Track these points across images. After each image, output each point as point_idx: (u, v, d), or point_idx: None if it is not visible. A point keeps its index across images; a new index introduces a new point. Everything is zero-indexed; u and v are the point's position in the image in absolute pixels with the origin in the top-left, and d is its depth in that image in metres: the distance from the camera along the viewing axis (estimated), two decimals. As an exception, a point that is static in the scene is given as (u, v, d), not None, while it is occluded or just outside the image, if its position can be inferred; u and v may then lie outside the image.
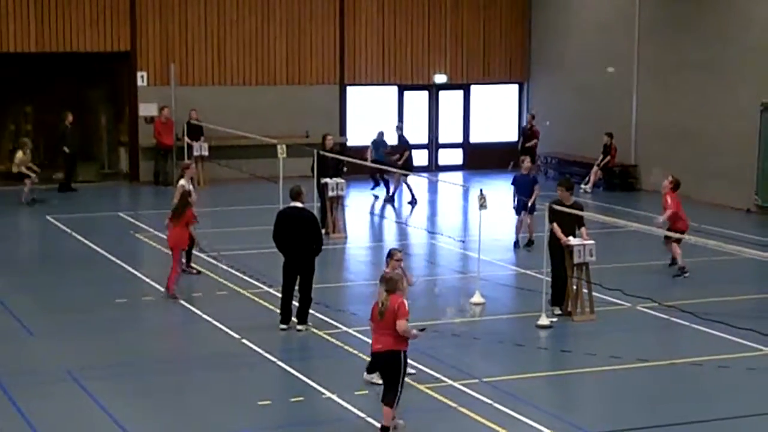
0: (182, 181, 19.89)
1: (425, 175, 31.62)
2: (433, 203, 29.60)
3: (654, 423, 13.06)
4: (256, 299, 18.47)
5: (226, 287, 19.29)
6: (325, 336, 16.40)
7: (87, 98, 32.50)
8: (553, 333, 16.77)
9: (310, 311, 16.79)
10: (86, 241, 22.93)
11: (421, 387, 14.08)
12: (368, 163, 27.53)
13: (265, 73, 32.27)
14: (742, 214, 27.00)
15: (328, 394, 13.83)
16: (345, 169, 24.54)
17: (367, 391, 13.75)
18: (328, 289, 18.97)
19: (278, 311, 16.85)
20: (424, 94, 34.41)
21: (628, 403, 13.91)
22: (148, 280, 19.72)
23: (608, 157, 30.74)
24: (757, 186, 27.02)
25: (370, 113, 33.27)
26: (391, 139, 29.79)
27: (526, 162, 23.28)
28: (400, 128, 30.55)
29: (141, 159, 31.48)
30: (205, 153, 30.36)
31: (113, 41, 30.82)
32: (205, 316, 17.44)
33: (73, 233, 23.72)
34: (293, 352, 15.96)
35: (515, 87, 35.33)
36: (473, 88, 34.84)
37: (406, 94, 34.17)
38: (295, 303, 16.72)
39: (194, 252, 20.25)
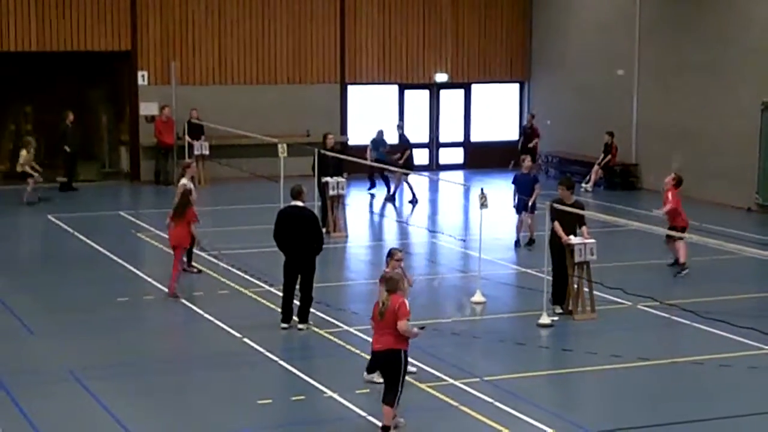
0: (183, 180, 19.88)
1: (426, 174, 31.63)
2: (433, 202, 29.60)
3: (655, 422, 13.06)
4: (257, 298, 18.48)
5: (228, 286, 19.30)
6: (326, 335, 16.41)
7: (88, 97, 32.50)
8: (554, 332, 16.78)
9: (311, 310, 16.81)
10: (87, 241, 22.94)
11: (422, 386, 14.08)
12: (370, 162, 27.53)
13: (265, 72, 32.27)
14: (743, 213, 27.01)
15: (330, 393, 13.84)
16: (345, 175, 24.48)
17: (368, 390, 13.76)
18: (329, 288, 18.98)
19: (279, 310, 16.86)
20: (425, 93, 34.41)
21: (629, 402, 13.92)
22: (149, 279, 19.73)
23: (609, 156, 30.74)
24: (758, 185, 27.03)
25: (371, 112, 33.27)
26: (392, 138, 29.81)
27: (527, 161, 23.29)
28: (400, 127, 30.58)
29: (142, 158, 31.49)
30: (206, 152, 30.36)
31: (114, 40, 30.82)
32: (206, 315, 17.45)
33: (75, 232, 23.73)
34: (294, 351, 15.96)
35: (516, 86, 35.33)
36: (474, 87, 34.83)
37: (407, 93, 34.17)
38: (296, 302, 16.73)
39: (195, 251, 20.25)
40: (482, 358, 15.68)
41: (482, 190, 18.66)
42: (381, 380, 12.91)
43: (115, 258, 21.36)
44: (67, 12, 30.26)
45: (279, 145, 23.49)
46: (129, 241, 23.16)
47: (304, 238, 16.45)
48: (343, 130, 32.92)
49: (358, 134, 32.33)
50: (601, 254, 17.99)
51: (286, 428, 13.17)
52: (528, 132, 32.59)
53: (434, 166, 34.40)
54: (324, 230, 20.47)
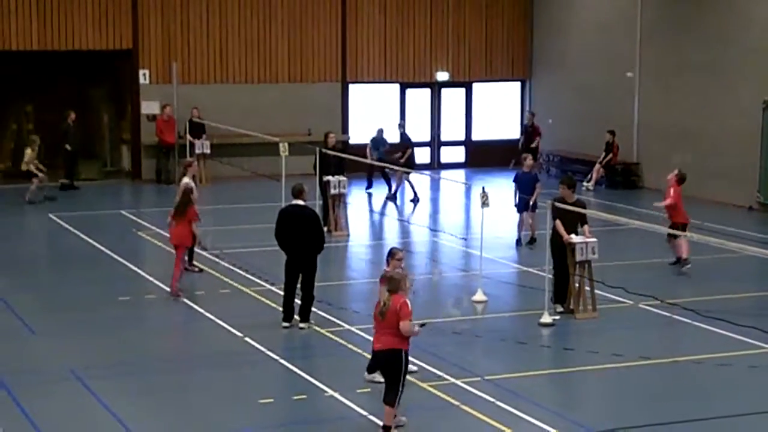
0: (185, 179, 19.87)
1: (427, 172, 31.63)
2: (435, 201, 29.60)
3: (656, 421, 13.05)
4: (259, 297, 18.48)
5: (229, 285, 19.30)
6: (327, 334, 16.41)
7: (89, 96, 32.53)
8: (555, 331, 16.78)
9: (313, 309, 16.80)
10: (89, 240, 22.95)
11: (424, 385, 14.09)
12: (371, 161, 27.53)
13: (267, 70, 32.28)
14: (744, 211, 27.01)
15: (331, 392, 13.84)
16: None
17: (369, 389, 13.76)
18: (331, 286, 18.98)
19: (281, 309, 16.86)
20: (426, 91, 34.41)
21: (630, 401, 13.92)
22: (150, 278, 19.74)
23: (610, 155, 30.74)
24: (760, 184, 27.03)
25: (372, 111, 33.27)
26: (393, 137, 29.81)
27: (528, 160, 23.28)
28: (402, 126, 30.59)
29: (143, 157, 31.50)
30: (207, 151, 30.37)
31: (115, 39, 30.83)
32: (207, 315, 17.46)
33: (76, 231, 23.74)
34: (296, 350, 15.96)
35: (517, 85, 35.33)
36: (475, 85, 34.83)
37: (408, 91, 34.18)
38: (298, 301, 16.73)
39: (196, 250, 20.25)
40: (483, 357, 15.69)
41: (483, 188, 18.66)
42: (382, 379, 12.90)
43: (117, 257, 21.36)
44: (68, 11, 30.27)
45: (280, 144, 23.49)
46: (130, 240, 23.17)
47: (306, 237, 16.45)
48: (345, 128, 32.92)
49: (360, 133, 32.31)
50: (603, 253, 17.98)
51: (288, 427, 13.17)
52: (529, 131, 32.57)
53: (435, 165, 34.40)
54: (325, 229, 20.43)
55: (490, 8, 34.28)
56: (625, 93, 31.05)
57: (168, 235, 19.60)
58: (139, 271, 20.35)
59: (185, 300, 18.21)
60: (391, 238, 24.84)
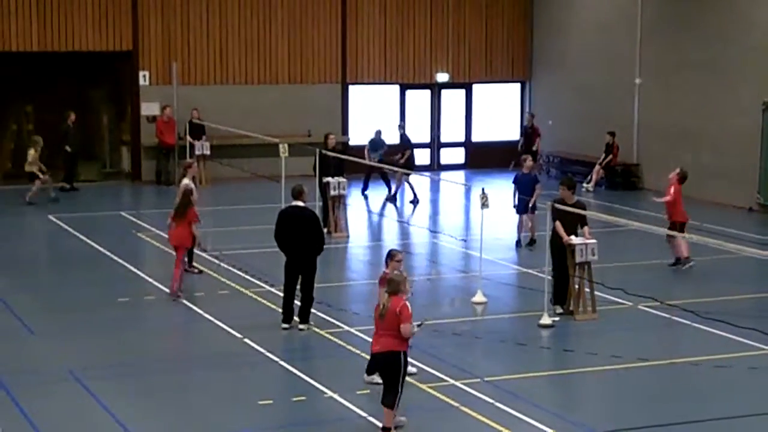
0: (185, 180, 19.86)
1: (427, 174, 31.62)
2: (434, 202, 29.60)
3: (655, 422, 13.05)
4: (258, 299, 18.48)
5: (228, 287, 19.29)
6: (326, 335, 16.40)
7: (89, 98, 32.52)
8: (554, 332, 16.77)
9: (312, 310, 16.80)
10: (88, 241, 22.95)
11: (423, 386, 14.08)
12: (372, 162, 27.52)
13: (267, 72, 32.28)
14: (744, 212, 27.00)
15: (330, 393, 13.84)
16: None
17: (368, 391, 13.75)
18: (330, 288, 18.98)
19: (280, 310, 16.86)
20: (426, 93, 34.41)
21: (629, 403, 13.92)
22: (150, 279, 19.74)
23: (610, 156, 30.73)
24: (759, 185, 27.02)
25: (372, 112, 33.26)
26: (393, 138, 29.81)
27: (528, 161, 23.28)
28: (402, 127, 30.58)
29: (143, 158, 31.49)
30: (207, 152, 30.35)
31: (115, 40, 30.83)
32: (207, 316, 17.45)
33: (75, 232, 23.74)
34: (295, 351, 15.96)
35: (517, 86, 35.32)
36: (475, 87, 34.83)
37: (408, 93, 34.17)
38: (297, 302, 16.73)
39: (195, 251, 20.24)
40: (483, 358, 15.68)
41: (483, 190, 18.66)
42: (381, 381, 12.89)
43: (116, 258, 21.36)
44: (68, 12, 30.26)
45: (280, 145, 23.48)
46: (130, 242, 23.17)
47: (305, 238, 16.45)
48: (345, 130, 32.92)
49: (360, 134, 32.30)
50: (602, 254, 17.98)
51: (287, 429, 13.17)
52: (529, 132, 32.57)
53: (435, 166, 34.39)
54: (325, 230, 20.45)
55: (490, 8, 34.29)
56: (625, 93, 31.04)
57: (167, 236, 19.60)
58: (139, 272, 20.34)
59: (185, 301, 18.21)
60: (391, 239, 24.83)
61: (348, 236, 23.69)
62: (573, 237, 17.44)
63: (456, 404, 13.51)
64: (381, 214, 27.41)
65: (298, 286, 16.63)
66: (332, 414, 13.35)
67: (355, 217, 25.43)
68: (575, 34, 33.19)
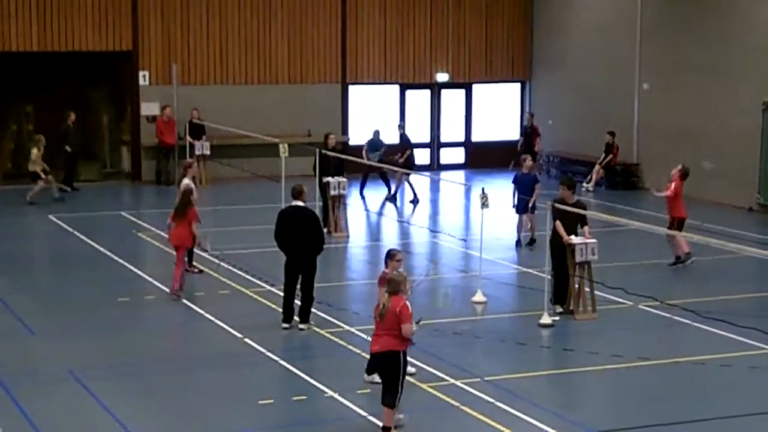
0: (185, 180, 19.85)
1: (427, 174, 31.63)
2: (434, 202, 29.60)
3: (656, 422, 13.04)
4: (258, 298, 18.48)
5: (228, 286, 19.29)
6: (327, 335, 16.40)
7: (89, 98, 32.51)
8: (555, 332, 16.77)
9: (312, 310, 16.80)
10: (88, 241, 22.95)
11: (423, 386, 14.08)
12: (372, 162, 27.51)
13: (266, 72, 32.28)
14: (744, 212, 27.00)
15: (330, 393, 13.84)
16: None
17: (369, 390, 13.75)
18: (330, 287, 18.98)
19: (280, 310, 16.86)
20: (426, 92, 34.41)
21: (630, 402, 13.91)
22: (150, 279, 19.73)
23: (610, 156, 30.73)
24: (760, 185, 27.02)
25: (372, 112, 33.26)
26: (393, 138, 29.80)
27: (528, 161, 23.28)
28: (402, 127, 30.58)
29: (143, 158, 31.50)
30: (207, 152, 30.36)
31: (115, 41, 30.83)
32: (207, 315, 17.45)
33: (76, 232, 23.73)
34: (295, 351, 15.96)
35: (517, 86, 35.32)
36: (475, 86, 34.83)
37: (408, 92, 34.18)
38: (297, 302, 16.73)
39: (196, 251, 20.23)
40: (483, 358, 15.68)
41: (483, 189, 18.65)
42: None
43: (116, 258, 21.36)
44: (68, 12, 30.26)
45: (280, 145, 23.48)
46: (130, 241, 23.16)
47: (305, 238, 16.45)
48: (345, 130, 32.92)
49: (359, 134, 32.29)
50: (602, 254, 17.98)
51: (287, 428, 13.17)
52: (529, 132, 32.57)
53: (435, 166, 34.40)
54: (325, 230, 20.45)
55: (490, 8, 34.29)
56: (625, 93, 31.05)
57: (168, 236, 19.59)
58: (139, 272, 20.34)
59: (185, 301, 18.21)
60: (391, 239, 24.82)
61: (348, 236, 23.69)
62: (573, 236, 17.44)
63: (456, 404, 13.51)
64: (381, 214, 27.41)
65: (298, 286, 16.63)
66: (332, 413, 13.35)
67: (355, 217, 25.42)
68: (575, 34, 33.19)
